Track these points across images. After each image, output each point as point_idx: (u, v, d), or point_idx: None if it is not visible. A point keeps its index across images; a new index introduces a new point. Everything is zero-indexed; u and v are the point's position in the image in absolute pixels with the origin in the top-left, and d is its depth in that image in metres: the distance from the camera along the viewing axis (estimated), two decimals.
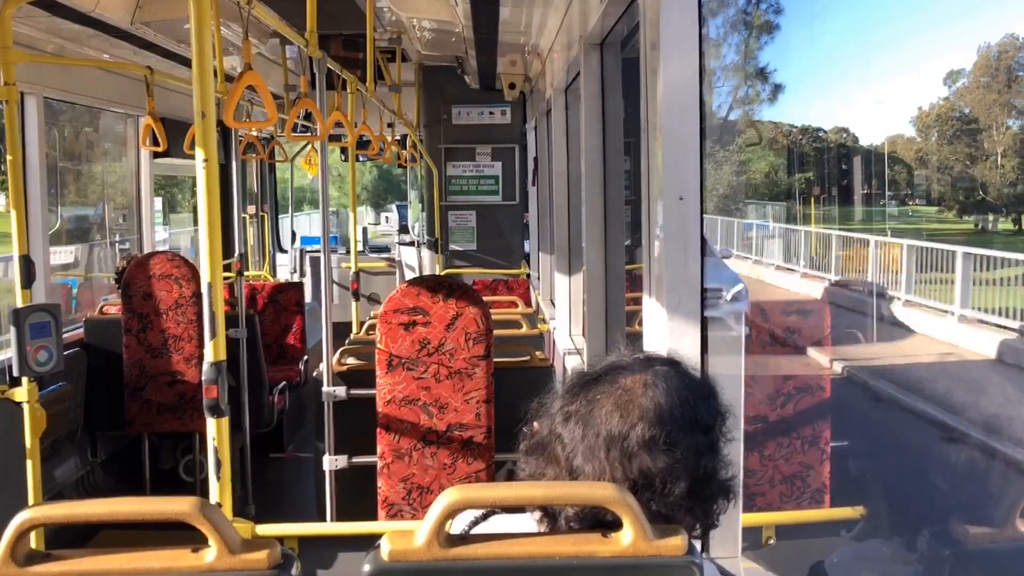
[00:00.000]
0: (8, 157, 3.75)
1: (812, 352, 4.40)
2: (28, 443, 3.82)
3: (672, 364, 1.57)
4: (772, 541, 3.37)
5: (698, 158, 2.28)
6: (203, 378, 2.45)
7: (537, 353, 4.84)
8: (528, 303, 7.44)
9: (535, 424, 1.59)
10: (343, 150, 7.16)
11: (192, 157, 2.56)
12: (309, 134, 8.41)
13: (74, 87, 5.67)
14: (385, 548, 1.29)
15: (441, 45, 7.44)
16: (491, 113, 9.14)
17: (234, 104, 2.81)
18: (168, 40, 5.45)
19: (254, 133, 7.42)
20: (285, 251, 10.94)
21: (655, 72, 2.31)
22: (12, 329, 3.69)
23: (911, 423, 6.91)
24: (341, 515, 4.22)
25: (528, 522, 1.51)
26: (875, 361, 8.46)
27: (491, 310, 4.13)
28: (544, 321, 7.00)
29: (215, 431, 2.48)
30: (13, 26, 3.66)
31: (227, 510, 2.53)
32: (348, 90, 5.53)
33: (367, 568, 1.29)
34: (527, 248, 10.01)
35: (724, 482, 1.52)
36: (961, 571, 2.25)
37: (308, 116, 8.43)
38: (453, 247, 9.28)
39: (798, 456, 3.95)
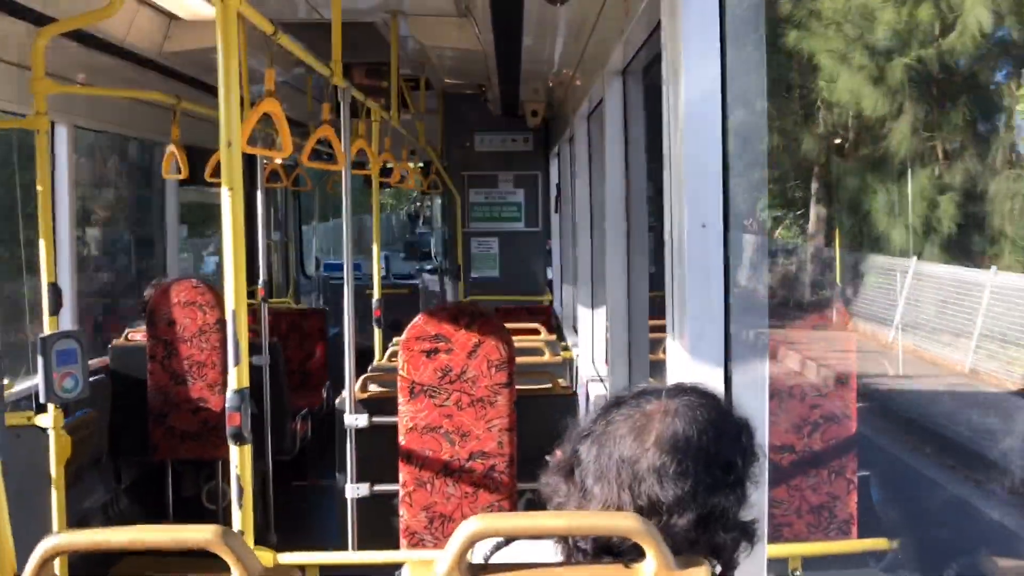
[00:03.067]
0: (39, 188, 3.79)
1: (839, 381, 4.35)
2: (53, 470, 3.83)
3: (704, 396, 1.53)
4: (799, 573, 3.31)
5: (720, 184, 2.28)
6: (226, 405, 2.45)
7: (560, 381, 4.81)
8: (551, 330, 7.41)
9: (558, 452, 1.58)
10: (366, 178, 7.19)
11: (215, 185, 2.58)
12: (332, 161, 8.46)
13: (102, 116, 5.74)
14: None
15: (464, 73, 7.49)
16: (513, 140, 9.16)
17: (249, 130, 2.83)
18: (195, 69, 5.51)
19: (278, 161, 7.48)
20: (309, 277, 10.98)
21: (677, 98, 2.31)
22: (39, 357, 3.72)
23: None
24: (363, 544, 4.20)
25: (549, 546, 1.50)
26: None
27: (513, 337, 4.12)
28: (567, 348, 6.96)
29: (238, 458, 2.48)
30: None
31: (249, 538, 2.52)
32: (372, 118, 5.57)
33: None
34: (550, 275, 10.00)
35: (744, 524, 1.48)
36: None
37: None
38: (475, 274, 9.28)
39: (825, 486, 3.90)
